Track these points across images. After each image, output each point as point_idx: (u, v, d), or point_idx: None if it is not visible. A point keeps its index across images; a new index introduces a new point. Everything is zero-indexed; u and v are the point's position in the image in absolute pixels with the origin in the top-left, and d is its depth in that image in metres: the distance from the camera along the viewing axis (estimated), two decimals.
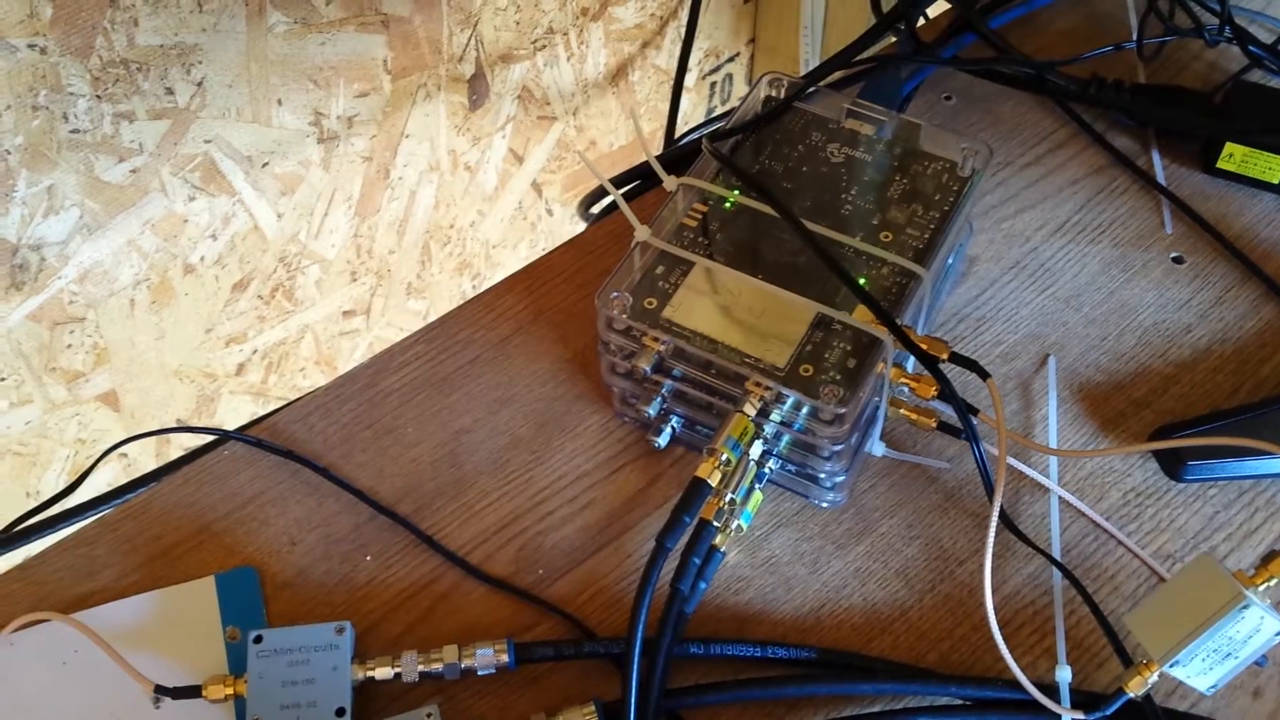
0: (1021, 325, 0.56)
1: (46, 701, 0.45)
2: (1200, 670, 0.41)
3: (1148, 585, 0.48)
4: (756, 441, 0.46)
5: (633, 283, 0.49)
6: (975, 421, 0.47)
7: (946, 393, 0.47)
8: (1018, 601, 0.48)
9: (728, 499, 0.45)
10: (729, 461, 0.45)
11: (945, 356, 0.48)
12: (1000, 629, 0.43)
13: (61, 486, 0.70)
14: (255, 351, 0.87)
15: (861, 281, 0.49)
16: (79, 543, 0.50)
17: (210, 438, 0.54)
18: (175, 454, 0.86)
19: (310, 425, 0.53)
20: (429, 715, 0.43)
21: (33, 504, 0.63)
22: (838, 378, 0.46)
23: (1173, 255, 0.59)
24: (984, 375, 0.47)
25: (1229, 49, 0.67)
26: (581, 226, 0.65)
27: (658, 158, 0.54)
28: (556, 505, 0.51)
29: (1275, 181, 0.60)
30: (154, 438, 0.84)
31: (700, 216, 0.51)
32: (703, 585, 0.45)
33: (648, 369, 0.47)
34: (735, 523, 0.46)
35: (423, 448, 0.52)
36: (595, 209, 0.68)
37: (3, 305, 0.70)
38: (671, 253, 0.50)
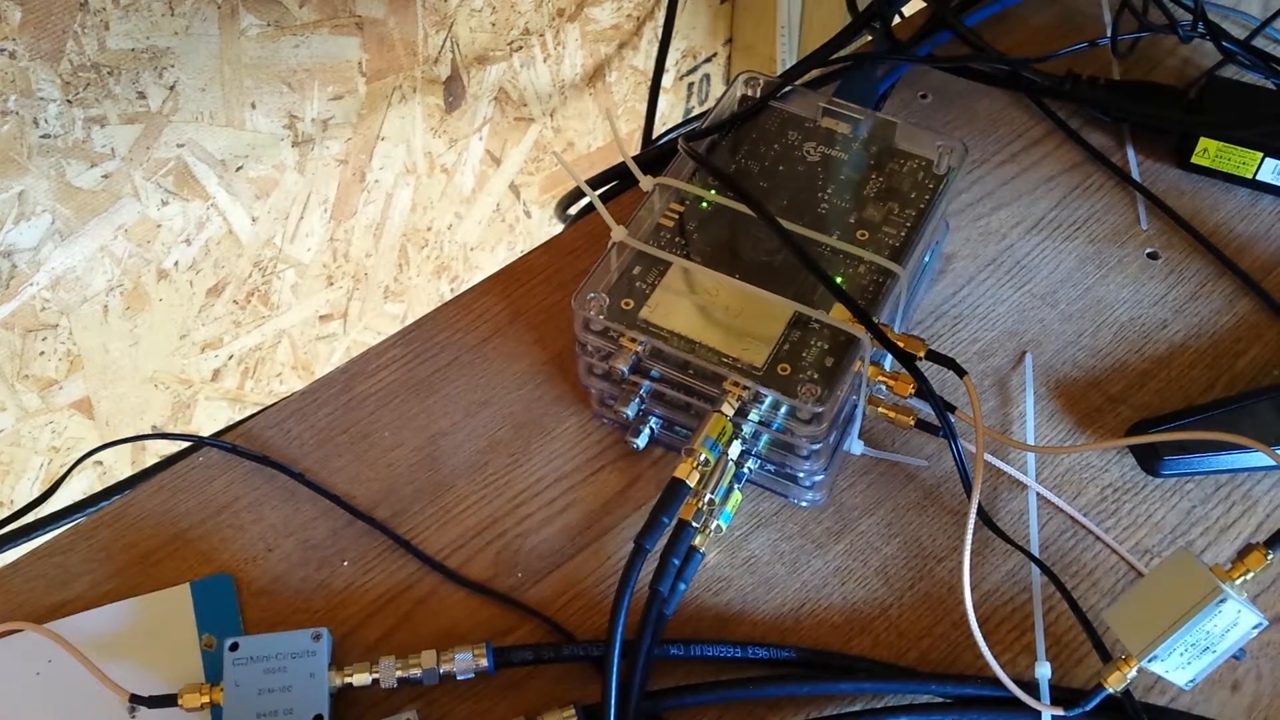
0: (998, 322, 0.56)
1: (20, 713, 0.45)
2: (1179, 665, 0.42)
3: (1126, 580, 0.48)
4: (735, 441, 0.46)
5: (609, 283, 0.49)
6: (953, 419, 0.47)
7: (924, 390, 0.47)
8: (997, 598, 0.48)
9: (706, 499, 0.45)
10: (707, 462, 0.45)
11: (922, 354, 0.48)
12: (980, 626, 0.43)
13: (35, 495, 0.70)
14: (231, 357, 0.86)
15: (838, 280, 0.49)
16: (53, 551, 0.49)
17: (185, 444, 0.54)
18: (150, 461, 0.85)
19: (286, 430, 0.53)
20: None
21: (6, 513, 0.62)
22: (815, 376, 0.45)
23: (1148, 251, 0.59)
24: (961, 373, 0.47)
25: (1203, 44, 0.67)
26: (559, 228, 0.65)
27: (635, 158, 0.54)
28: (535, 508, 0.50)
29: (1249, 176, 0.60)
30: (129, 445, 0.83)
31: (677, 216, 0.51)
32: (682, 586, 0.45)
33: (625, 370, 0.47)
34: (714, 523, 0.46)
35: (400, 452, 0.52)
36: (573, 210, 0.67)
37: None
38: (648, 253, 0.49)
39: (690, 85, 1.12)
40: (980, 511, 0.48)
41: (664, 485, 0.45)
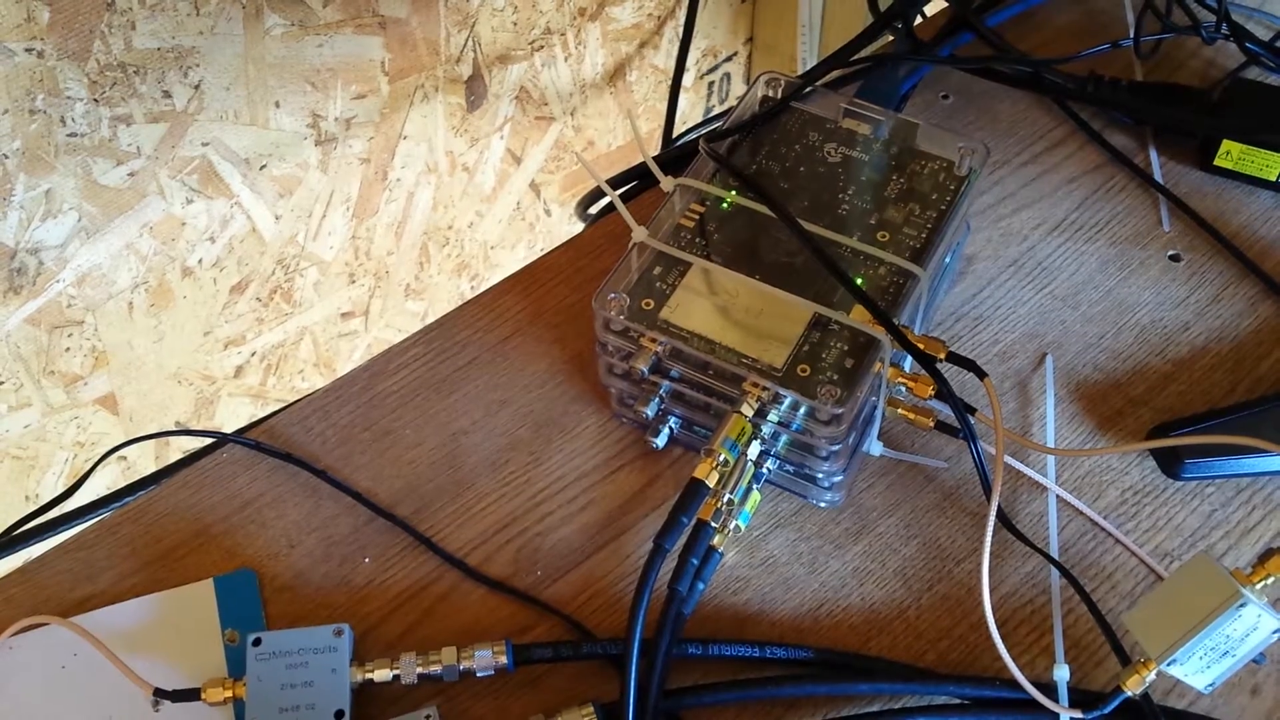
0: (1019, 324, 0.56)
1: (46, 705, 0.45)
2: (1198, 668, 0.41)
3: (1146, 584, 0.48)
4: (754, 442, 0.46)
5: (630, 284, 0.49)
6: (973, 421, 0.47)
7: (944, 392, 0.46)
8: (1016, 600, 0.48)
9: (725, 499, 0.45)
10: (727, 462, 0.45)
11: (942, 356, 0.48)
12: (998, 628, 0.43)
13: (60, 490, 0.70)
14: (254, 354, 0.87)
15: (859, 281, 0.49)
16: (78, 546, 0.50)
17: (209, 440, 0.54)
18: (174, 457, 0.86)
19: (309, 427, 0.53)
20: (428, 717, 0.43)
21: (32, 507, 0.63)
22: (835, 378, 0.46)
23: (1170, 253, 0.59)
24: (981, 374, 0.47)
25: (1226, 46, 0.67)
26: (579, 227, 0.65)
27: (655, 158, 0.54)
28: (555, 506, 0.51)
29: (1272, 179, 0.60)
30: (153, 441, 0.84)
31: (697, 217, 0.51)
32: (701, 586, 0.45)
33: (645, 370, 0.47)
34: (733, 523, 0.46)
35: (421, 449, 0.52)
36: (593, 209, 0.68)
37: (1, 309, 0.70)
38: (669, 253, 0.50)
39: (711, 84, 1.12)
40: (1000, 513, 0.48)
41: (683, 485, 0.45)
